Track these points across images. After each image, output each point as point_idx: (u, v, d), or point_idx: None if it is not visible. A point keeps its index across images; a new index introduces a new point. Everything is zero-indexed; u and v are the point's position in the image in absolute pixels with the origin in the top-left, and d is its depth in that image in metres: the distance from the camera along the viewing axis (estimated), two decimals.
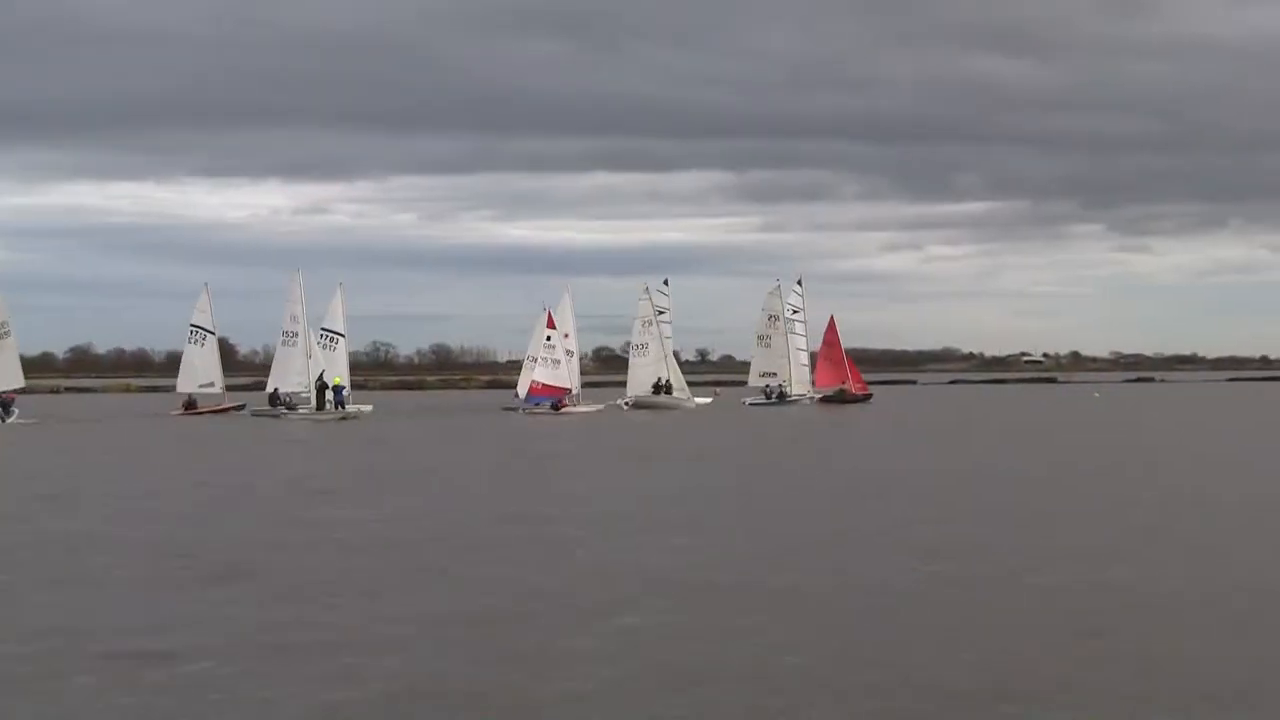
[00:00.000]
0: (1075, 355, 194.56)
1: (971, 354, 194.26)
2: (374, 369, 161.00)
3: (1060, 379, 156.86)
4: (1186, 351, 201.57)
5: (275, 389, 66.63)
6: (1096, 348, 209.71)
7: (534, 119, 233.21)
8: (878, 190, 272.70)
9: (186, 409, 68.59)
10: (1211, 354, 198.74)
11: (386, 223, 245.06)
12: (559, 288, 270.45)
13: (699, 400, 71.70)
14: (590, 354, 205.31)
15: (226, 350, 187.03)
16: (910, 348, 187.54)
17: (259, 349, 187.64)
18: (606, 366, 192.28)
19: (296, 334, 67.12)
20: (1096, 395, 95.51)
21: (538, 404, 64.95)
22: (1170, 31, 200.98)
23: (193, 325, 71.36)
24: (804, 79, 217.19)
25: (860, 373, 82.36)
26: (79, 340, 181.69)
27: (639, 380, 72.06)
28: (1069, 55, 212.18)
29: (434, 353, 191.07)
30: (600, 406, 68.47)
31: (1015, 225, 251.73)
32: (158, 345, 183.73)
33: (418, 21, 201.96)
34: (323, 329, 67.57)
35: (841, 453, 39.98)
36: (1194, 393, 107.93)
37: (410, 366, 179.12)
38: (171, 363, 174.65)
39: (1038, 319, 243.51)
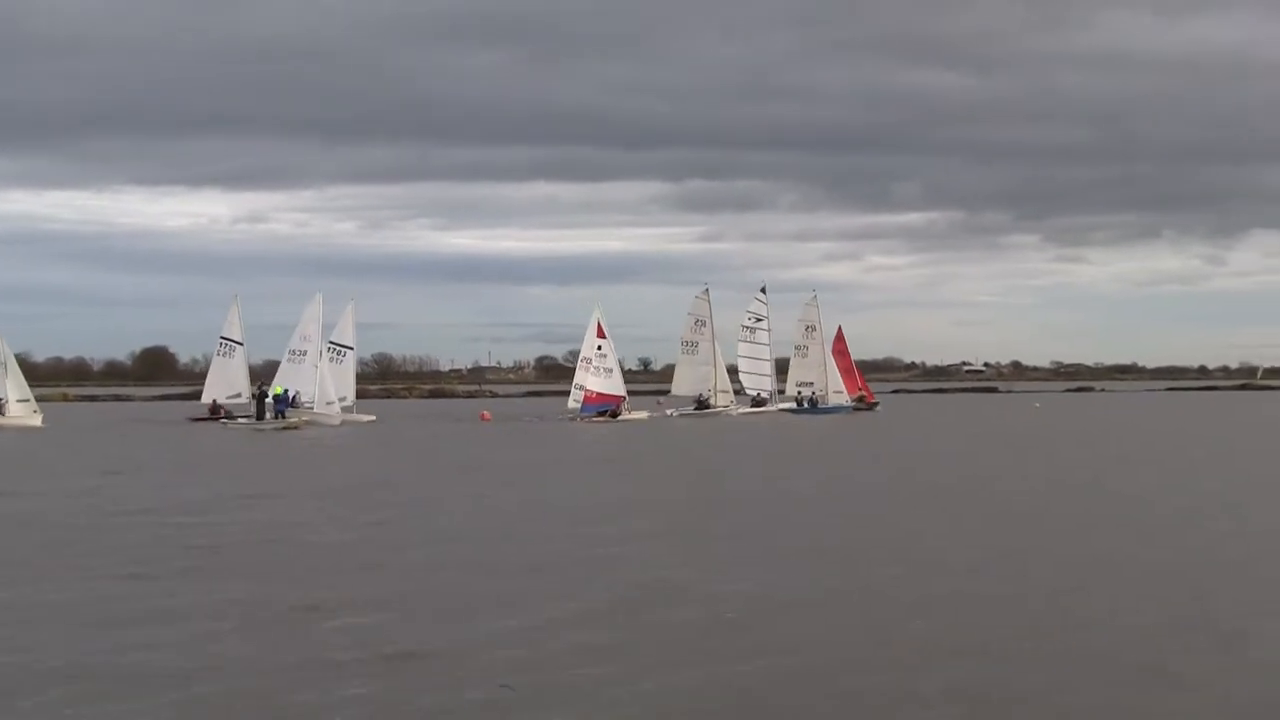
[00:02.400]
0: (1016, 365, 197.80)
1: (913, 363, 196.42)
2: None
3: (1001, 388, 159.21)
4: (1126, 361, 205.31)
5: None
6: (1037, 357, 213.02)
7: (473, 128, 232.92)
8: (815, 200, 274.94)
9: (212, 414, 69.05)
10: (1151, 364, 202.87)
11: (327, 231, 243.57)
12: (502, 296, 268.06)
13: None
14: (533, 363, 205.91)
15: (165, 358, 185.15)
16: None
17: (199, 357, 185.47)
18: (548, 375, 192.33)
19: (305, 352, 67.85)
20: (1037, 405, 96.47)
21: (598, 412, 65.34)
22: (1103, 44, 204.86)
23: (223, 337, 70.76)
24: (741, 89, 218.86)
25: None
26: (16, 349, 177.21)
27: (686, 379, 72.70)
28: (1003, 67, 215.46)
29: (376, 361, 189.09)
30: (646, 414, 68.92)
31: (952, 236, 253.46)
32: (96, 354, 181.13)
33: (356, 30, 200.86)
34: (331, 342, 68.95)
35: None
36: (1144, 402, 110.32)
37: None
38: (112, 371, 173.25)
39: (978, 329, 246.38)
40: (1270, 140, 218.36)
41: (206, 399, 70.43)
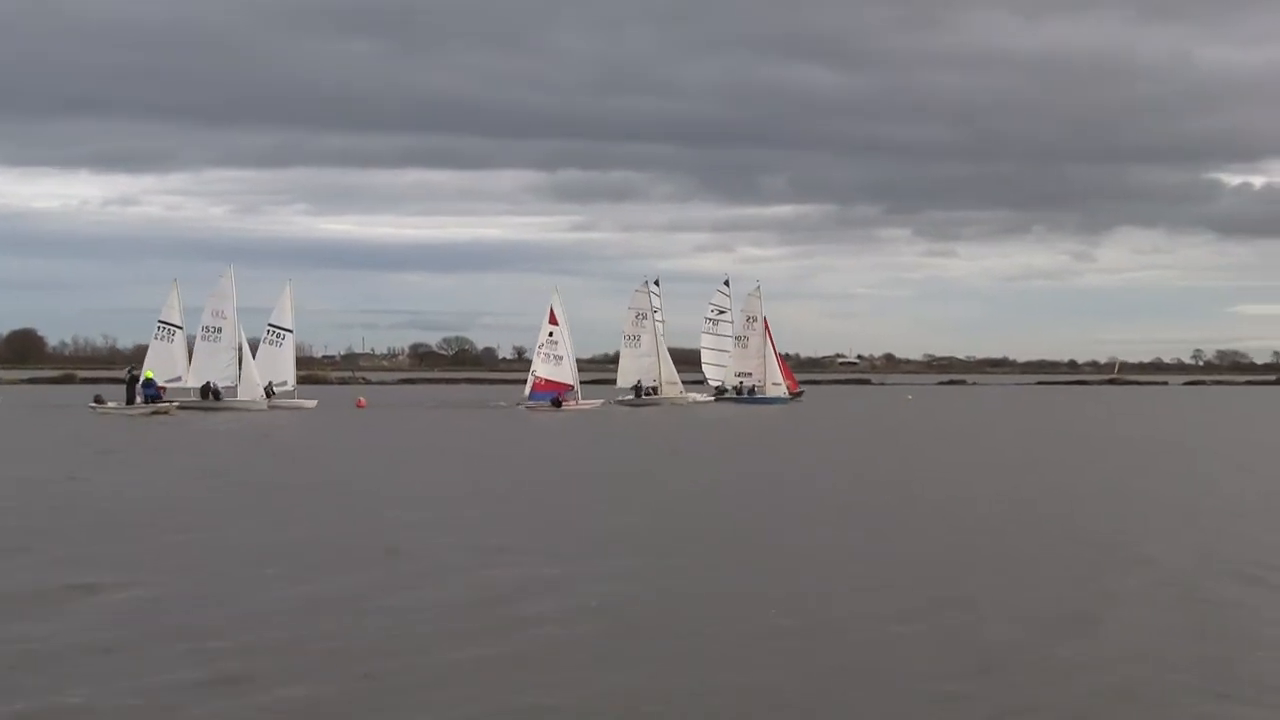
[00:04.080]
0: (889, 357, 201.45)
1: (787, 355, 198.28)
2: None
3: (874, 380, 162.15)
4: (997, 355, 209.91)
5: (208, 382, 66.41)
6: (910, 350, 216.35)
7: (347, 115, 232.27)
8: (688, 191, 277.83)
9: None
10: (1021, 358, 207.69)
11: (201, 215, 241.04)
12: (376, 282, 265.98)
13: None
14: (408, 350, 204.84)
15: (34, 341, 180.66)
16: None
17: (68, 340, 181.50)
18: (423, 363, 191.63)
19: (221, 329, 67.15)
20: (909, 398, 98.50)
21: (540, 399, 65.99)
22: (966, 43, 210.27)
23: (161, 321, 69.56)
24: (612, 82, 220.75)
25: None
26: None
27: (630, 371, 73.85)
28: (869, 64, 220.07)
29: (250, 346, 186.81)
30: (600, 401, 69.64)
31: (825, 228, 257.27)
32: None
33: (230, 15, 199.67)
34: (270, 324, 68.89)
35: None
36: (1012, 395, 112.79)
37: None
38: None
39: (851, 320, 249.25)
40: (1134, 140, 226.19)
41: None
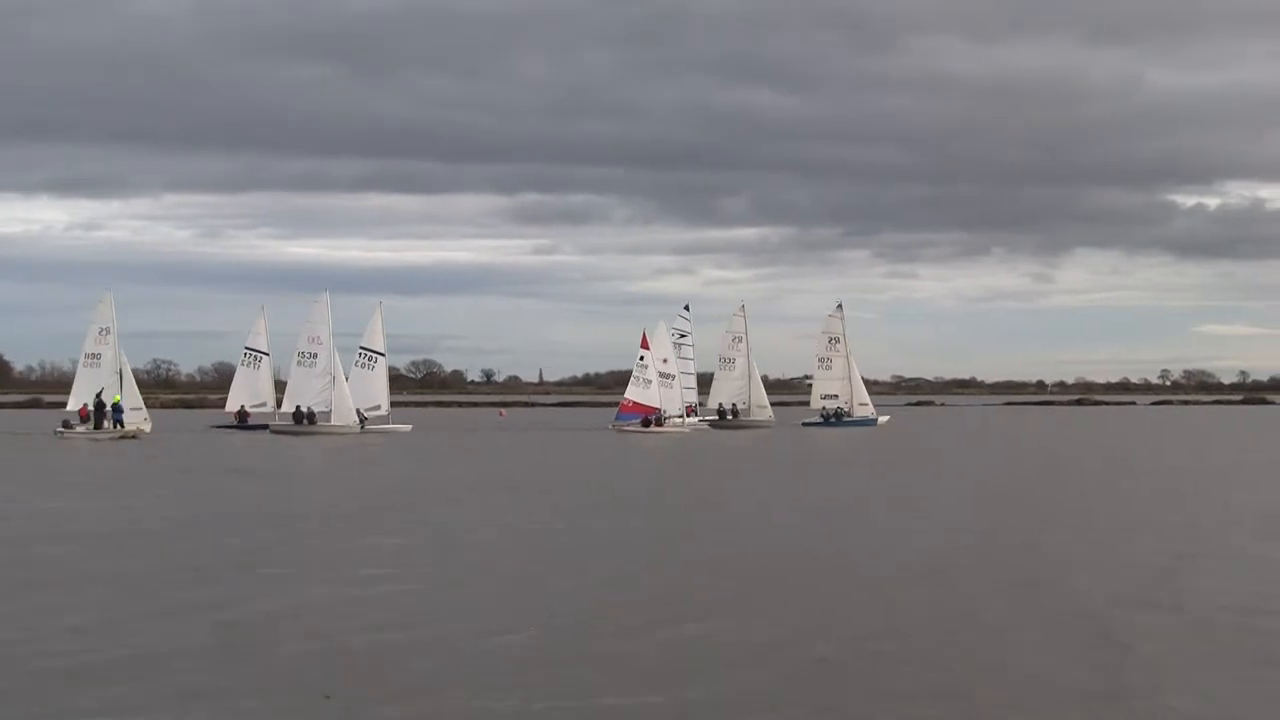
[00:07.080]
0: None
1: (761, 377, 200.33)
2: (155, 386, 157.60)
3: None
4: (965, 376, 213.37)
5: (298, 406, 67.99)
6: (878, 371, 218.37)
7: (305, 140, 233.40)
8: (649, 214, 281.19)
9: (240, 421, 70.17)
10: (989, 379, 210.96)
11: (165, 239, 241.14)
12: (347, 306, 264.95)
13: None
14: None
15: (0, 367, 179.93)
16: (697, 371, 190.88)
17: (35, 365, 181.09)
18: (392, 386, 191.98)
19: (316, 355, 68.47)
20: (885, 419, 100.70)
21: (625, 420, 68.58)
22: (917, 68, 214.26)
23: (247, 348, 71.47)
24: (565, 106, 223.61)
25: None
26: None
27: (722, 391, 76.75)
28: (822, 88, 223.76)
29: (216, 370, 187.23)
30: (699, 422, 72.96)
31: (786, 250, 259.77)
32: None
33: (188, 42, 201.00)
34: (361, 347, 69.96)
35: None
36: (984, 416, 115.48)
37: (192, 385, 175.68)
38: None
39: (819, 342, 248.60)
40: (1088, 162, 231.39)
41: (232, 407, 71.10)
